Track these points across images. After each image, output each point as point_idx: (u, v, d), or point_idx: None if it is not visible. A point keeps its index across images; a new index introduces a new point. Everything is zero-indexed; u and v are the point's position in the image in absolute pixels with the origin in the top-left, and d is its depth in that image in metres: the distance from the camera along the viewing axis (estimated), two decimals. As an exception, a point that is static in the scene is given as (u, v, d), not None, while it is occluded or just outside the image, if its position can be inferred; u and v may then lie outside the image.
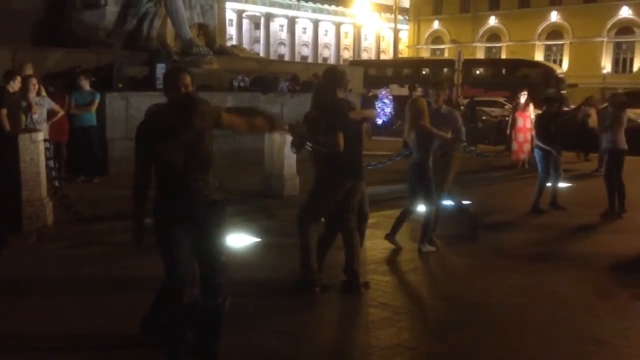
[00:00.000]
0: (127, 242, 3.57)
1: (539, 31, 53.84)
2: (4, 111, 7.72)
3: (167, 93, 3.47)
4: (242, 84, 12.08)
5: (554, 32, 53.44)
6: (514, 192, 10.63)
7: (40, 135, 6.76)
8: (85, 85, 9.47)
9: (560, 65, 53.09)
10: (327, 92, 5.10)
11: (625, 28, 49.64)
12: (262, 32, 68.75)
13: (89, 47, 11.96)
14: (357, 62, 44.49)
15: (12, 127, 7.61)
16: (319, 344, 4.29)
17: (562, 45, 53.34)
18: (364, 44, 75.34)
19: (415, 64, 42.61)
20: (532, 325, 4.61)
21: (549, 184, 8.87)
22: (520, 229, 7.92)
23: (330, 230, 5.35)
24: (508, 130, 13.95)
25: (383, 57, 72.97)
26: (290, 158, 8.72)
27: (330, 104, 5.02)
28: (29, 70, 8.96)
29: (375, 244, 6.76)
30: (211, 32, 14.07)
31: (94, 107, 9.50)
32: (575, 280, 5.83)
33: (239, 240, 6.70)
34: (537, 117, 9.23)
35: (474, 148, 13.53)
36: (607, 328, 4.56)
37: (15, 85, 8.15)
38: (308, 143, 5.10)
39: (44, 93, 8.82)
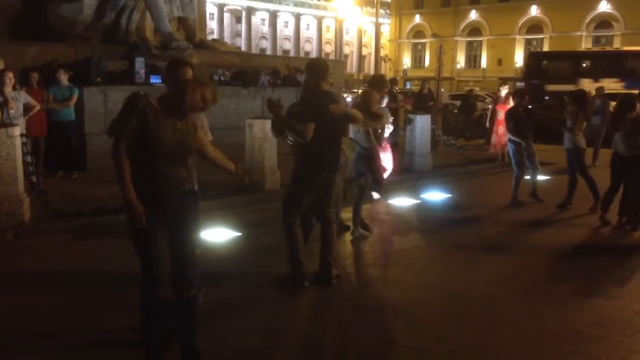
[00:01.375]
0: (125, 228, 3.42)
1: (519, 25, 54.30)
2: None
3: (167, 84, 3.52)
4: (222, 78, 12.01)
5: (534, 26, 53.93)
6: (494, 185, 10.71)
7: (17, 130, 6.66)
8: (64, 79, 9.35)
9: (540, 59, 53.63)
10: (310, 83, 5.14)
11: (604, 22, 50.25)
12: (243, 26, 68.47)
13: (67, 41, 11.80)
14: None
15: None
16: (299, 337, 4.30)
17: (542, 39, 53.83)
18: (345, 37, 75.40)
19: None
20: (510, 317, 4.65)
21: (527, 177, 8.95)
22: (498, 221, 7.98)
23: (307, 221, 5.40)
24: (487, 123, 14.06)
25: (365, 51, 73.10)
26: (271, 152, 8.71)
27: (312, 95, 5.06)
28: (0, 64, 8.81)
29: (355, 238, 6.79)
30: (191, 26, 13.95)
31: (73, 102, 9.39)
32: (553, 271, 5.91)
33: (219, 234, 6.68)
34: (508, 110, 9.32)
35: (454, 142, 13.61)
36: (584, 319, 4.62)
37: (-9, 80, 8.02)
38: (287, 133, 5.10)
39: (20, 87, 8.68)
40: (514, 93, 9.82)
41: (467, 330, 4.38)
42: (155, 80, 10.58)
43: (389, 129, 7.39)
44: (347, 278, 5.56)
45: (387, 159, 8.15)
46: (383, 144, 8.00)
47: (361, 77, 61.15)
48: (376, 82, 7.02)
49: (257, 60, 16.73)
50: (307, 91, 5.19)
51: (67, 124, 9.40)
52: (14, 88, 8.38)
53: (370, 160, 6.69)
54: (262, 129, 8.62)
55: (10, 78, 8.25)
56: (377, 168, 6.73)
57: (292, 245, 5.15)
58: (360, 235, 6.81)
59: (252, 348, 4.01)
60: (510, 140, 8.90)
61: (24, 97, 8.60)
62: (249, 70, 12.77)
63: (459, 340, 4.21)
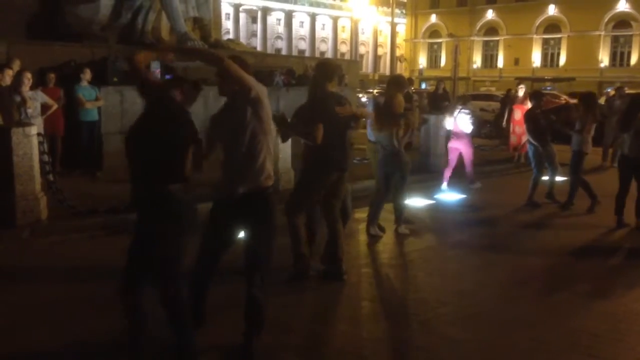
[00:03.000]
0: None
1: (537, 25, 53.80)
2: (-3, 105, 7.71)
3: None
4: (237, 78, 12.02)
5: (552, 26, 53.39)
6: (509, 185, 10.63)
7: (34, 129, 6.73)
8: (88, 79, 9.51)
9: (558, 59, 53.19)
10: (318, 85, 5.17)
11: (622, 22, 49.61)
12: (259, 26, 68.65)
13: (83, 41, 11.88)
14: None
15: (5, 121, 7.59)
16: (309, 336, 4.30)
17: (559, 38, 53.31)
18: (361, 37, 75.26)
19: None
20: (524, 318, 4.62)
21: (545, 177, 8.88)
22: (513, 222, 7.93)
23: (314, 216, 5.52)
24: (504, 123, 13.93)
25: (380, 51, 72.91)
26: (284, 152, 8.71)
27: (318, 96, 5.10)
28: (16, 65, 8.91)
29: (366, 238, 6.78)
30: (206, 26, 13.99)
31: (102, 101, 9.60)
32: (568, 273, 5.85)
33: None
34: (527, 112, 9.23)
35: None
36: (599, 321, 4.57)
37: (7, 78, 8.11)
38: (297, 135, 5.15)
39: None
40: (532, 95, 9.70)
41: (480, 332, 4.35)
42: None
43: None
44: (361, 278, 5.55)
45: (467, 148, 9.10)
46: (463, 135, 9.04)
47: (376, 77, 60.98)
48: (395, 83, 7.00)
49: (272, 60, 16.74)
50: (313, 90, 5.23)
51: (94, 123, 9.56)
52: (31, 88, 8.48)
53: (396, 159, 6.70)
54: (275, 129, 8.62)
55: (28, 78, 8.35)
56: (405, 166, 6.76)
57: (295, 240, 5.19)
58: (376, 234, 6.85)
59: (260, 346, 4.01)
60: (529, 141, 8.84)
61: (41, 96, 8.70)
62: (264, 70, 12.76)
63: (471, 342, 4.19)
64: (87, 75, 9.46)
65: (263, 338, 3.78)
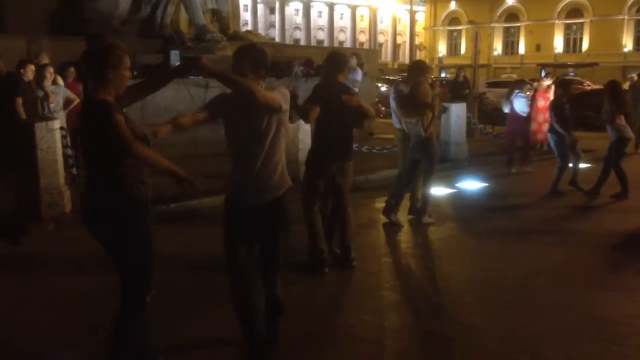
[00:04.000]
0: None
1: (559, 10, 52.93)
2: (20, 100, 7.80)
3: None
4: (256, 69, 12.02)
5: (574, 11, 52.47)
6: (532, 174, 10.49)
7: (57, 124, 6.81)
8: None
9: (580, 44, 52.32)
10: (328, 76, 5.26)
11: (647, 4, 48.60)
12: (277, 17, 68.52)
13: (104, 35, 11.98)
14: None
15: (28, 116, 7.68)
16: (328, 324, 4.30)
17: (582, 23, 52.40)
18: (379, 26, 74.74)
19: None
20: (546, 306, 4.58)
21: (570, 165, 8.76)
22: (536, 210, 7.83)
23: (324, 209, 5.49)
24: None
25: (399, 40, 72.41)
26: (305, 143, 8.69)
27: (327, 85, 5.19)
28: (44, 59, 9.01)
29: (388, 227, 6.76)
30: (225, 18, 14.01)
31: None
32: (592, 261, 5.77)
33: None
34: (552, 101, 9.06)
35: (490, 130, 13.40)
36: (623, 310, 4.50)
37: (29, 74, 8.20)
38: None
39: (60, 81, 8.87)
40: (559, 83, 9.53)
41: (503, 320, 4.33)
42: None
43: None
44: (382, 267, 5.55)
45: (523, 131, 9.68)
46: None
47: (396, 66, 60.57)
48: (416, 68, 6.92)
49: (290, 50, 16.73)
50: (323, 82, 5.30)
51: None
52: (53, 82, 8.57)
53: (425, 147, 6.67)
54: (295, 120, 8.61)
55: (50, 73, 8.44)
56: (434, 154, 6.75)
57: (312, 232, 5.23)
58: (398, 222, 6.83)
59: (280, 337, 4.03)
60: (551, 131, 8.70)
61: (63, 91, 8.79)
62: (283, 61, 12.76)
63: (494, 330, 4.16)
64: None
65: (284, 327, 3.79)
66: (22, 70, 8.13)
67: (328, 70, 5.28)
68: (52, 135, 6.58)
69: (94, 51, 3.16)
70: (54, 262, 5.52)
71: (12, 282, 5.01)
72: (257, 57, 3.35)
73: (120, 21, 12.43)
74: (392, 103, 7.06)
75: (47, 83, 8.39)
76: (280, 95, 3.32)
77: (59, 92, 8.68)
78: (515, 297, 4.79)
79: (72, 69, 9.51)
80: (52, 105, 8.40)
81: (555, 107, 8.66)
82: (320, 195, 5.34)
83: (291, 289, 4.85)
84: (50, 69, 8.50)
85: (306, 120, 5.14)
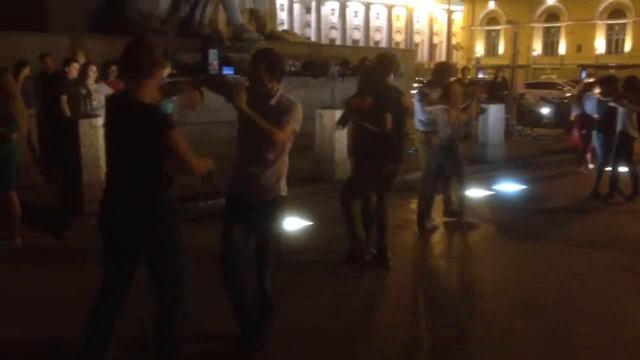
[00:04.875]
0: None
1: (600, 10, 51.83)
2: (64, 98, 8.00)
3: None
4: (292, 69, 12.09)
5: (616, 11, 51.33)
6: (572, 176, 10.30)
7: (100, 121, 6.96)
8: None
9: (622, 45, 51.07)
10: (377, 77, 5.25)
11: (693, 4, 47.20)
12: (313, 16, 68.71)
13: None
14: None
15: (72, 113, 7.87)
16: (365, 325, 4.30)
17: (624, 24, 51.24)
18: (416, 26, 74.29)
19: None
20: (585, 311, 4.51)
21: (608, 168, 8.56)
22: (576, 213, 7.70)
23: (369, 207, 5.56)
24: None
25: (436, 40, 71.82)
26: (340, 143, 8.70)
27: (379, 88, 5.16)
28: (81, 58, 9.20)
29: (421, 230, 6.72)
30: (262, 17, 14.13)
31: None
32: (633, 266, 5.65)
33: (291, 223, 6.76)
34: (598, 99, 8.81)
35: (529, 132, 13.19)
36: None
37: (73, 72, 8.40)
38: (361, 121, 5.18)
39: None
40: (604, 80, 9.23)
41: (541, 324, 4.27)
42: (227, 71, 10.80)
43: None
44: (417, 268, 5.53)
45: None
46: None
47: (432, 66, 60.07)
48: (441, 71, 6.84)
49: (326, 50, 16.75)
50: (370, 83, 5.28)
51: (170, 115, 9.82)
52: (96, 81, 8.76)
53: (451, 151, 6.64)
54: (332, 119, 8.63)
55: (93, 71, 8.61)
56: (459, 158, 6.72)
57: (351, 222, 5.26)
58: (434, 227, 6.77)
59: (325, 334, 4.05)
60: (597, 130, 8.50)
61: (105, 89, 8.97)
62: (319, 61, 12.80)
63: (532, 334, 4.11)
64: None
65: (332, 326, 3.81)
66: (67, 69, 8.34)
67: (379, 72, 5.25)
68: (95, 132, 6.73)
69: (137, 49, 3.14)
70: (95, 255, 5.62)
71: (59, 274, 5.14)
72: (273, 60, 3.56)
73: (160, 20, 12.64)
74: (417, 105, 6.92)
75: (90, 81, 8.57)
76: (296, 122, 3.54)
77: (101, 90, 8.87)
78: (553, 301, 4.72)
79: (114, 68, 9.70)
80: (94, 103, 8.58)
81: (599, 105, 8.45)
82: (364, 194, 5.39)
83: (324, 288, 4.90)
84: (93, 68, 8.68)
85: (383, 130, 5.01)
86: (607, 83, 8.74)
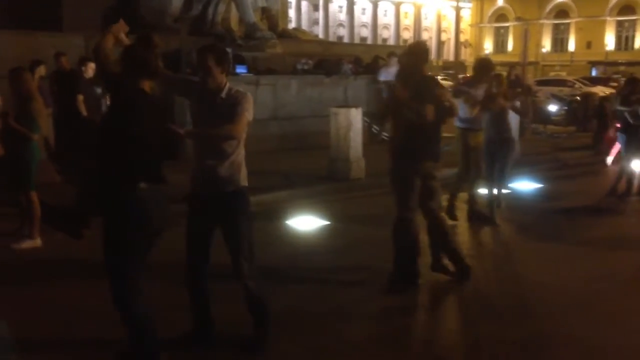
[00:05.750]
0: None
1: (610, 6, 51.47)
2: (81, 97, 8.01)
3: None
4: (305, 67, 12.08)
5: (626, 7, 50.97)
6: (588, 175, 10.23)
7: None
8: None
9: (632, 41, 50.73)
10: (415, 68, 4.84)
11: None
12: (320, 14, 68.58)
13: (157, 32, 12.19)
14: None
15: (88, 113, 7.88)
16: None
17: (634, 20, 50.85)
18: (424, 23, 74.02)
19: None
20: (609, 312, 4.46)
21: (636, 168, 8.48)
22: (595, 213, 7.63)
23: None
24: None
25: (444, 37, 71.59)
26: (356, 141, 8.67)
27: (419, 79, 4.80)
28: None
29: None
30: (274, 16, 14.11)
31: None
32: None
33: (307, 222, 6.74)
34: (621, 99, 8.68)
35: (543, 129, 13.11)
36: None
37: (89, 71, 8.40)
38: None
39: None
40: (627, 81, 9.13)
41: (566, 326, 4.23)
42: (240, 70, 10.79)
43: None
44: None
45: None
46: None
47: (440, 64, 59.87)
48: (484, 67, 6.64)
49: (338, 48, 16.73)
50: (410, 74, 4.88)
51: None
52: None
53: (503, 146, 6.61)
54: (347, 117, 8.61)
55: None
56: (510, 153, 6.69)
57: (411, 244, 4.78)
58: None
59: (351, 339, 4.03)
60: (620, 130, 8.42)
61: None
62: (332, 59, 12.77)
63: (558, 335, 4.07)
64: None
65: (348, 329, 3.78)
66: (83, 68, 8.34)
67: (414, 62, 4.85)
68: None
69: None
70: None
71: (80, 273, 5.14)
72: (220, 53, 3.62)
73: (172, 19, 12.66)
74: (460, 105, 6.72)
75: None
76: (249, 112, 3.53)
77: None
78: (577, 302, 4.67)
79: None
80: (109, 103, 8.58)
81: (624, 105, 8.38)
82: (415, 200, 4.83)
83: (339, 289, 4.86)
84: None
85: (425, 121, 4.66)
86: (631, 83, 8.68)
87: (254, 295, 3.73)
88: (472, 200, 6.97)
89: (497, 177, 6.86)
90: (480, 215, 6.89)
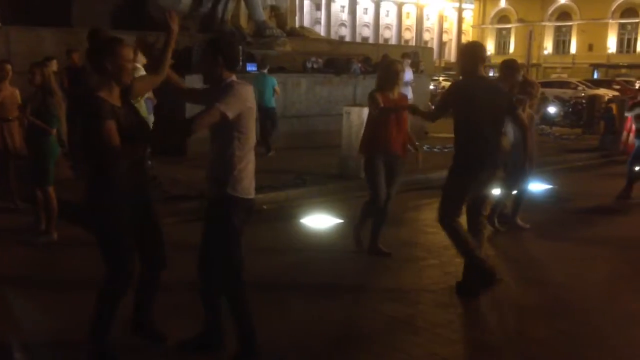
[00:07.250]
0: None
1: (613, 9, 51.52)
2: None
3: None
4: (315, 66, 12.07)
5: (629, 10, 51.02)
6: (596, 176, 10.24)
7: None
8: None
9: (634, 44, 50.78)
10: (470, 70, 4.65)
11: None
12: (323, 13, 68.61)
13: (166, 30, 12.20)
14: None
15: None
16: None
17: (636, 23, 50.92)
18: (426, 24, 74.07)
19: None
20: (632, 312, 4.48)
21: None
22: (609, 214, 7.66)
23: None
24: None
25: (445, 37, 71.57)
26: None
27: (475, 80, 4.62)
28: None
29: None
30: (283, 14, 14.12)
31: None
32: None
33: (321, 221, 6.74)
34: (634, 103, 8.68)
35: (550, 130, 13.13)
36: None
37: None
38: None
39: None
40: None
41: (589, 326, 4.24)
42: (250, 68, 10.79)
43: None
44: (459, 267, 5.47)
45: None
46: None
47: (442, 65, 59.90)
48: (510, 68, 6.43)
49: (346, 47, 16.72)
50: (464, 77, 4.74)
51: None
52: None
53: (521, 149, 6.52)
54: (359, 116, 8.59)
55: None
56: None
57: (465, 245, 4.58)
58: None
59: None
60: (637, 136, 8.41)
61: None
62: (341, 58, 12.78)
63: (582, 335, 4.09)
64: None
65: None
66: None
67: (470, 64, 4.62)
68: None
69: (92, 45, 3.32)
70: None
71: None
72: (219, 45, 3.54)
73: (182, 16, 12.57)
74: None
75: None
76: (226, 105, 3.24)
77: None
78: (598, 302, 4.69)
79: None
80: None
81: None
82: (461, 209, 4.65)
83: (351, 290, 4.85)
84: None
85: (432, 121, 4.77)
86: None
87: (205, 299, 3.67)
88: (500, 204, 6.90)
89: (519, 181, 6.81)
90: (505, 219, 6.84)
